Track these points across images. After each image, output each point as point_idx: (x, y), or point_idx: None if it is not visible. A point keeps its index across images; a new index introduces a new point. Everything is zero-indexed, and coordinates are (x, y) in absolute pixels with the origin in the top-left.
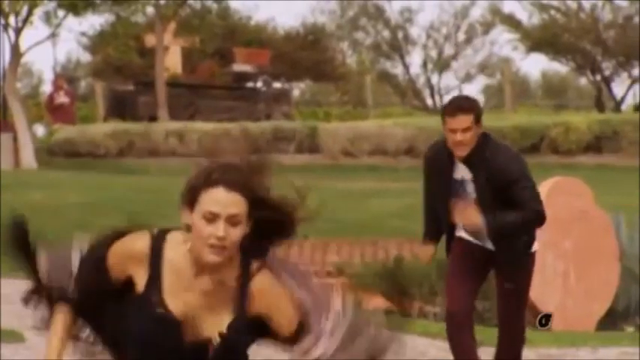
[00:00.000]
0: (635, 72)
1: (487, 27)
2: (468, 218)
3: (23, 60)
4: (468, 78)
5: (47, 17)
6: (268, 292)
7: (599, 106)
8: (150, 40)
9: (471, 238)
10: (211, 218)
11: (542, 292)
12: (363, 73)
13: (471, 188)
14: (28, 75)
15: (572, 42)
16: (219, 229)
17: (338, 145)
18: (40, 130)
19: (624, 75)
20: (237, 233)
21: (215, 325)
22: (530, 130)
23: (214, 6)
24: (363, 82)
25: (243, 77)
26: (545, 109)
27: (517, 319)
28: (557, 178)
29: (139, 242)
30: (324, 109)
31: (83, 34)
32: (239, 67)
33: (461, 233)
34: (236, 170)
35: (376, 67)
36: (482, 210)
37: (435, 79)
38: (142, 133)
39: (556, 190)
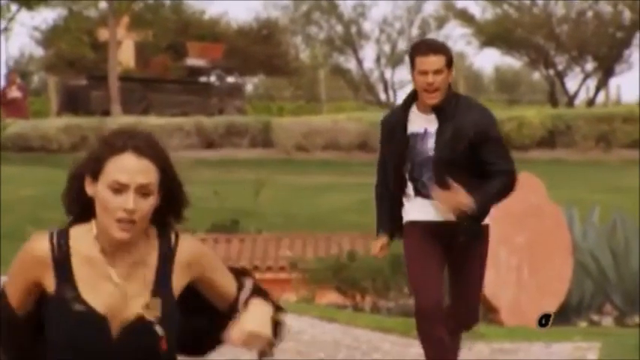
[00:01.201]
0: (588, 67)
1: (440, 22)
2: (458, 204)
3: None
4: None
5: (0, 11)
6: (201, 255)
7: (553, 101)
8: (103, 34)
9: (426, 218)
10: (119, 189)
11: (496, 286)
12: (316, 67)
13: (430, 143)
14: None
15: (526, 37)
16: (129, 200)
17: (291, 139)
18: None
19: (577, 70)
20: (147, 205)
21: (143, 312)
22: None
23: (167, 0)
24: (317, 76)
25: (197, 72)
26: (499, 103)
27: (473, 296)
28: None
29: (37, 244)
30: (277, 103)
31: (36, 28)
32: (192, 61)
33: (413, 216)
34: (144, 136)
35: (329, 62)
36: (436, 169)
37: (388, 73)
38: (94, 127)
39: None
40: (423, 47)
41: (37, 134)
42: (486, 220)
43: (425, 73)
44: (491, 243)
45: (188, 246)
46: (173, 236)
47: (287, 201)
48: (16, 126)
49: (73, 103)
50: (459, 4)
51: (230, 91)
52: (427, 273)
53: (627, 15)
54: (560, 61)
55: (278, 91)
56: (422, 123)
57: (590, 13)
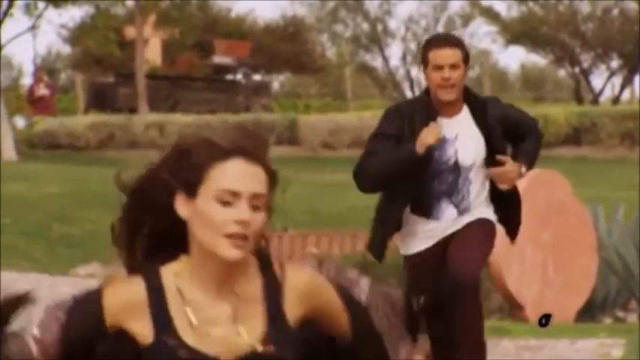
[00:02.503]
0: (614, 64)
1: (466, 19)
2: (512, 177)
3: (3, 52)
4: None
5: (27, 9)
6: (313, 287)
7: (578, 99)
8: (130, 32)
9: (427, 245)
10: (228, 200)
11: (521, 283)
12: (342, 65)
13: (451, 151)
14: (8, 67)
15: (551, 34)
16: (242, 211)
17: (317, 137)
18: (20, 122)
19: (602, 67)
20: (261, 220)
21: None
22: None
23: None
24: (343, 74)
25: (223, 69)
26: (524, 101)
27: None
28: (536, 170)
29: (133, 289)
30: (303, 101)
31: (63, 26)
32: (219, 59)
33: (414, 247)
34: (253, 137)
35: (355, 60)
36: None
37: (414, 71)
38: (121, 125)
39: (535, 183)
40: (438, 40)
41: (64, 131)
42: (492, 216)
43: (440, 67)
44: (517, 240)
45: (298, 274)
46: (277, 264)
47: (313, 198)
48: (43, 123)
49: (100, 100)
50: (485, 2)
51: (256, 88)
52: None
53: None
54: (586, 58)
55: (304, 88)
56: (441, 129)
57: (615, 11)
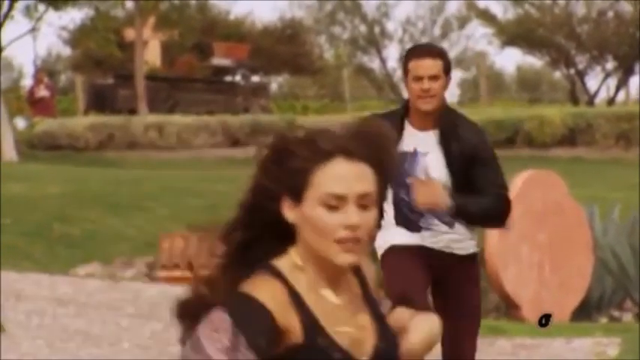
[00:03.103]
0: (609, 66)
1: (463, 21)
2: (432, 196)
3: (4, 54)
4: None
5: (28, 11)
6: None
7: (573, 100)
8: (129, 34)
9: (412, 242)
10: (334, 204)
11: (518, 283)
12: (340, 67)
13: (423, 164)
14: (8, 69)
15: (547, 36)
16: (350, 215)
17: None
18: (20, 123)
19: (598, 69)
20: (371, 218)
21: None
22: (505, 123)
23: (193, 0)
24: (341, 75)
25: (222, 71)
26: (520, 102)
27: (469, 346)
28: (532, 171)
29: (276, 288)
30: (301, 102)
31: (63, 28)
32: (218, 60)
33: (395, 239)
34: (352, 132)
35: (353, 61)
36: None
37: None
38: (121, 126)
39: (531, 183)
40: (419, 50)
41: (64, 132)
42: (473, 249)
43: (420, 78)
44: (513, 240)
45: (369, 266)
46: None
47: None
48: (43, 124)
49: (100, 101)
50: (481, 4)
51: (255, 90)
52: (411, 288)
53: None
54: (581, 60)
55: (302, 90)
56: (411, 142)
57: (610, 13)
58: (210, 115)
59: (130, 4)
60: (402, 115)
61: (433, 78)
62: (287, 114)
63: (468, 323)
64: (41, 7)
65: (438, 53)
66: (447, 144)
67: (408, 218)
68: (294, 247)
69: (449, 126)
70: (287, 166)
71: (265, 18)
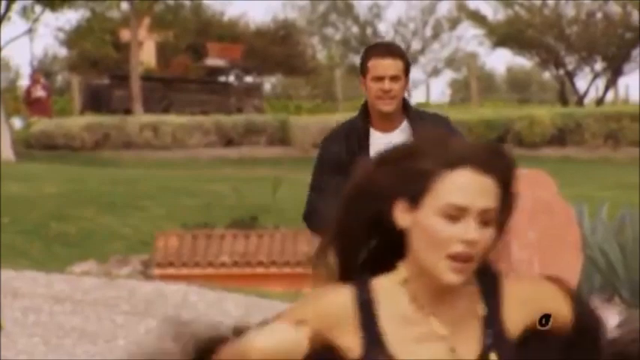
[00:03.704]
0: (597, 66)
1: (453, 23)
2: None
3: (1, 55)
4: (435, 72)
5: (25, 13)
6: (535, 295)
7: (563, 100)
8: (125, 34)
9: None
10: (455, 215)
11: None
12: (332, 67)
13: None
14: (5, 69)
15: (536, 37)
16: (469, 229)
17: (308, 137)
18: (17, 123)
19: (587, 69)
20: (489, 237)
21: None
22: (496, 123)
23: (188, 2)
24: (333, 76)
25: (216, 71)
26: (510, 102)
27: None
28: (522, 170)
29: (340, 300)
30: (294, 102)
31: (60, 29)
32: (212, 61)
33: None
34: (485, 145)
35: (345, 62)
36: None
37: None
38: (116, 125)
39: (521, 182)
40: (379, 49)
41: (60, 132)
42: None
43: (380, 79)
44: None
45: (518, 281)
46: (492, 272)
47: (304, 197)
48: (40, 124)
49: (95, 101)
50: (472, 6)
51: (249, 90)
52: None
53: (636, 16)
54: (570, 61)
55: (295, 90)
56: (378, 144)
57: (599, 14)
58: (205, 115)
59: (125, 6)
60: (364, 121)
61: (394, 78)
62: (280, 114)
63: None
64: (38, 8)
65: (399, 53)
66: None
67: None
68: (403, 262)
69: (416, 120)
70: (412, 166)
71: (259, 19)
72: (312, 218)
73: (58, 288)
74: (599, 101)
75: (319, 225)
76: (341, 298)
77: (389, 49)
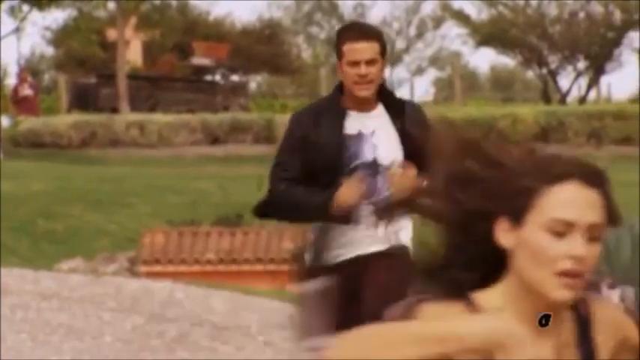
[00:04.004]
0: (580, 65)
1: (437, 22)
2: (411, 185)
3: None
4: (419, 71)
5: (12, 12)
6: (620, 322)
7: (546, 99)
8: (111, 34)
9: (349, 256)
10: (561, 231)
11: None
12: (317, 66)
13: (368, 148)
14: None
15: (520, 36)
16: (577, 244)
17: None
18: (4, 121)
19: (569, 68)
20: (596, 253)
21: None
22: (479, 121)
23: (174, 1)
24: (318, 75)
25: (202, 70)
26: (494, 101)
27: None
28: None
29: (475, 330)
30: (280, 101)
31: (47, 28)
32: (198, 60)
33: (335, 258)
34: (589, 163)
35: (330, 61)
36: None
37: (387, 72)
38: (103, 124)
39: None
40: (354, 32)
41: (47, 130)
42: (410, 232)
43: (356, 63)
44: None
45: (606, 307)
46: (584, 297)
47: None
48: (27, 122)
49: (82, 100)
50: (456, 5)
51: (234, 89)
52: None
53: (618, 15)
54: (553, 60)
55: (281, 89)
56: (354, 124)
57: (582, 14)
58: (191, 114)
59: (112, 5)
60: (337, 100)
61: (370, 62)
62: (266, 112)
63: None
64: (25, 7)
65: (375, 35)
66: (394, 117)
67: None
68: (501, 282)
69: (392, 101)
70: (513, 184)
71: (244, 18)
72: (272, 202)
73: (45, 285)
74: (582, 100)
75: (280, 207)
76: (478, 325)
77: (363, 32)
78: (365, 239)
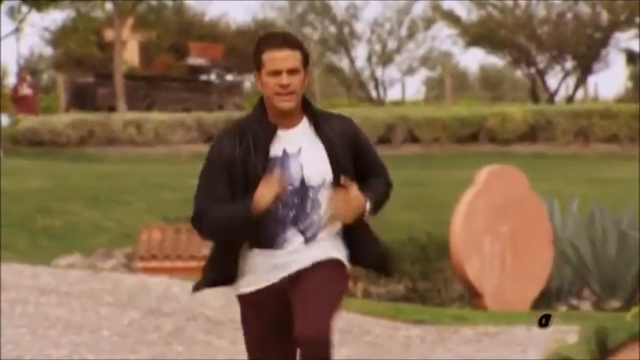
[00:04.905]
0: (568, 65)
1: (428, 23)
2: (356, 206)
3: None
4: (410, 71)
5: (12, 12)
6: None
7: (534, 98)
8: (109, 34)
9: (272, 280)
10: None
11: (481, 273)
12: (311, 66)
13: (295, 167)
14: None
15: (508, 37)
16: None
17: None
18: (4, 120)
19: (557, 68)
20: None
21: None
22: (469, 120)
23: (170, 2)
24: (311, 75)
25: (198, 70)
26: (483, 100)
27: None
28: (495, 165)
29: None
30: None
31: (45, 28)
32: (194, 60)
33: (258, 284)
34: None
35: (323, 61)
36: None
37: (379, 72)
38: (101, 122)
39: (493, 178)
40: (274, 40)
41: (46, 129)
42: (343, 252)
43: (277, 72)
44: (476, 232)
45: None
46: None
47: None
48: (26, 121)
49: (80, 99)
50: (446, 6)
51: (229, 88)
52: None
53: (605, 16)
54: (541, 60)
55: None
56: (281, 144)
57: (569, 15)
58: (186, 113)
59: (109, 6)
60: (261, 117)
61: (292, 72)
62: None
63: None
64: (24, 8)
65: (297, 43)
66: (322, 133)
67: (268, 238)
68: None
69: (318, 115)
70: None
71: (239, 19)
72: (201, 222)
73: (43, 280)
74: (570, 99)
75: (208, 231)
76: None
77: (285, 40)
78: (291, 263)
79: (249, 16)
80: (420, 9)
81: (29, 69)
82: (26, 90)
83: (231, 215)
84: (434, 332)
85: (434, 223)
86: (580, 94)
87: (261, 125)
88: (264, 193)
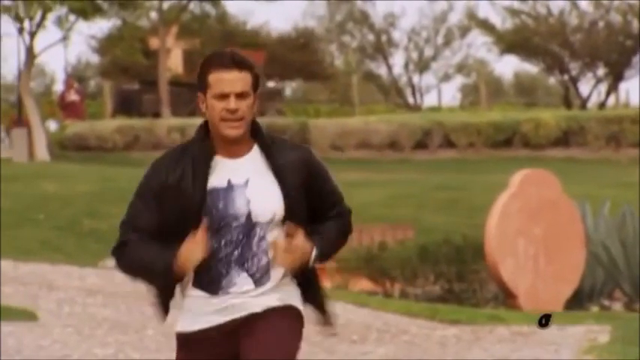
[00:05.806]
0: (600, 72)
1: (464, 31)
2: (299, 257)
3: (37, 61)
4: (446, 78)
5: (59, 22)
6: None
7: (567, 104)
8: (154, 42)
9: (218, 322)
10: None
11: (515, 274)
12: (349, 73)
13: (241, 202)
14: (41, 75)
15: (542, 45)
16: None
17: (327, 139)
18: (52, 125)
19: (589, 75)
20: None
21: None
22: (504, 125)
23: (213, 12)
24: (350, 81)
25: None
26: (517, 106)
27: None
28: (528, 170)
29: None
30: (314, 106)
31: (92, 37)
32: None
33: (200, 324)
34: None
35: (362, 68)
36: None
37: (415, 78)
38: (146, 128)
39: (527, 182)
40: (222, 60)
41: (93, 134)
42: (297, 296)
43: (225, 96)
44: (510, 234)
45: None
46: None
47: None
48: (74, 127)
49: (126, 105)
50: (481, 15)
51: (270, 94)
52: None
53: (636, 24)
54: (574, 67)
55: (314, 94)
56: (223, 174)
57: (601, 23)
58: None
59: (154, 15)
60: (203, 144)
61: (241, 95)
62: (300, 117)
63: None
64: (72, 17)
65: (246, 64)
66: (273, 162)
67: (210, 280)
68: None
69: (269, 143)
70: None
71: (280, 28)
72: (120, 255)
73: (90, 281)
74: (601, 105)
75: (124, 269)
76: None
77: (234, 60)
78: (241, 306)
79: (290, 25)
80: (456, 18)
81: (76, 76)
82: (73, 97)
83: (150, 262)
84: (469, 332)
85: (469, 226)
86: (611, 100)
87: (200, 150)
88: (189, 255)
